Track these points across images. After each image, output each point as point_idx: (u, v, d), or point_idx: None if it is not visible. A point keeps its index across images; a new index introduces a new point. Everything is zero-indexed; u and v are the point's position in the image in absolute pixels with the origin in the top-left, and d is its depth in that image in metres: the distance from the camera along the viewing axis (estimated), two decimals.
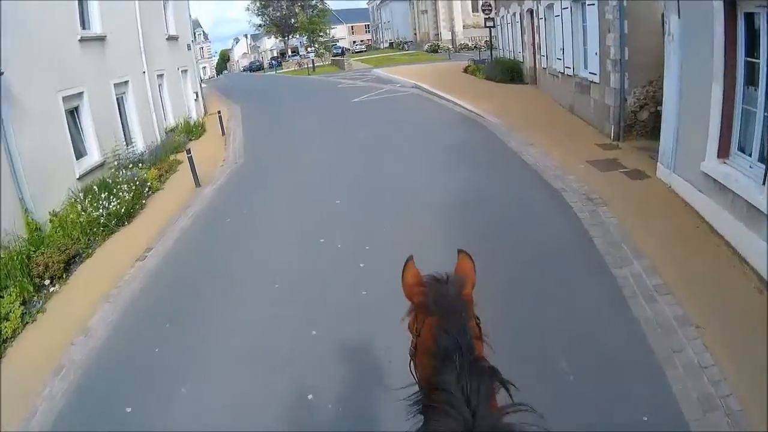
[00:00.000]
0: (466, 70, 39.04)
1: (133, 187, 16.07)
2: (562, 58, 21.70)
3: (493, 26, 38.77)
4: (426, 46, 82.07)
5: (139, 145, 21.92)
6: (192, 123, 28.62)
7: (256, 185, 17.20)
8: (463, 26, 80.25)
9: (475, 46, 72.41)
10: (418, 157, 17.60)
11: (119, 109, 21.09)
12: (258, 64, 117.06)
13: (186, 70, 32.85)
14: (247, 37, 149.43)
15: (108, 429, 7.01)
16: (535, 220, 11.71)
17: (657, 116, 15.02)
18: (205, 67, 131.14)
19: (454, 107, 25.90)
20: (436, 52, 75.89)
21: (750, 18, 9.02)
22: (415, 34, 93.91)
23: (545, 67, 25.15)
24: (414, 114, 26.03)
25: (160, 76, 26.91)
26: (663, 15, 14.08)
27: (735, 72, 9.54)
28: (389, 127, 22.88)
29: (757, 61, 8.89)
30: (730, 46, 9.50)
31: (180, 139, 24.90)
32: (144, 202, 16.46)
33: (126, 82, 21.97)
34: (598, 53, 17.44)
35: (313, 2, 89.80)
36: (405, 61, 65.56)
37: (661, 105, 13.72)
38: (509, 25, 34.48)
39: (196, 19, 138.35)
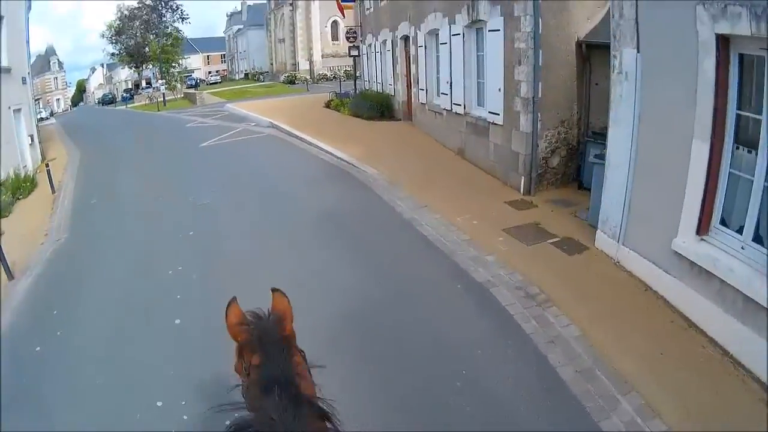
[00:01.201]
0: (328, 105, 35.73)
1: None
2: (448, 93, 18.76)
3: (358, 55, 35.67)
4: (282, 77, 78.92)
5: None
6: (23, 176, 23.55)
7: (76, 276, 13.01)
8: (322, 55, 77.99)
9: (334, 77, 70.63)
10: (278, 237, 13.31)
11: None
12: (110, 96, 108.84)
13: (19, 109, 27.66)
14: (103, 67, 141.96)
15: None
16: (466, 346, 8.12)
17: (567, 161, 14.22)
18: (59, 99, 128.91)
19: (318, 153, 22.54)
20: (293, 83, 73.16)
21: (742, 61, 7.26)
22: (272, 64, 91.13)
23: (424, 102, 22.20)
24: (271, 163, 22.38)
25: None
26: (584, 46, 12.78)
27: (725, 127, 7.55)
28: (241, 186, 18.92)
29: (750, 115, 7.27)
30: (721, 92, 7.27)
31: (5, 200, 20.34)
32: None
33: None
34: (502, 89, 14.60)
35: (168, 30, 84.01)
36: (261, 94, 61.78)
37: (569, 148, 13.48)
38: (378, 54, 31.04)
39: (51, 45, 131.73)
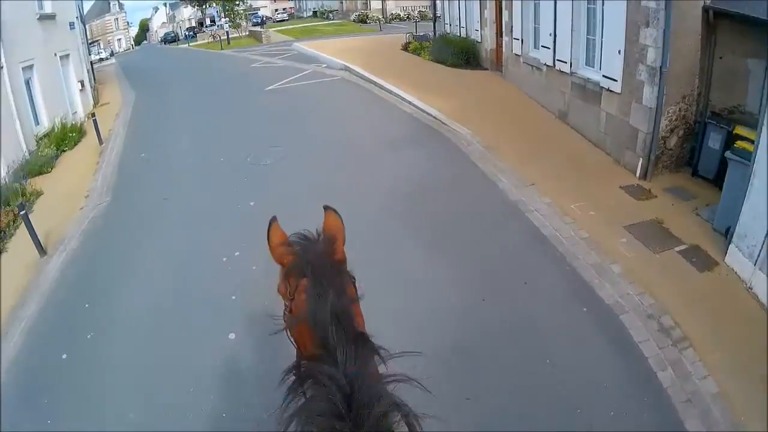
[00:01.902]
0: (406, 48, 32.68)
1: None
2: (551, 47, 16.26)
3: None
4: (353, 16, 75.79)
5: None
6: (69, 126, 22.20)
7: (113, 256, 11.55)
8: None
9: (408, 17, 67.97)
10: (353, 220, 11.31)
11: None
12: (173, 35, 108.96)
13: (67, 55, 26.47)
14: (166, 6, 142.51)
15: None
16: (598, 405, 6.47)
17: (683, 141, 12.24)
18: (120, 39, 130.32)
19: (400, 104, 20.17)
20: (365, 22, 70.03)
21: None
22: (342, 2, 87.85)
23: (518, 54, 19.68)
24: (345, 114, 20.12)
25: (27, 68, 20.99)
26: (711, 13, 10.90)
27: None
28: (309, 143, 16.93)
29: None
30: None
31: (48, 154, 19.13)
32: None
33: None
34: (622, 52, 12.24)
35: None
36: (331, 32, 59.05)
37: (686, 128, 11.90)
38: None
39: None
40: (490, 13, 22.92)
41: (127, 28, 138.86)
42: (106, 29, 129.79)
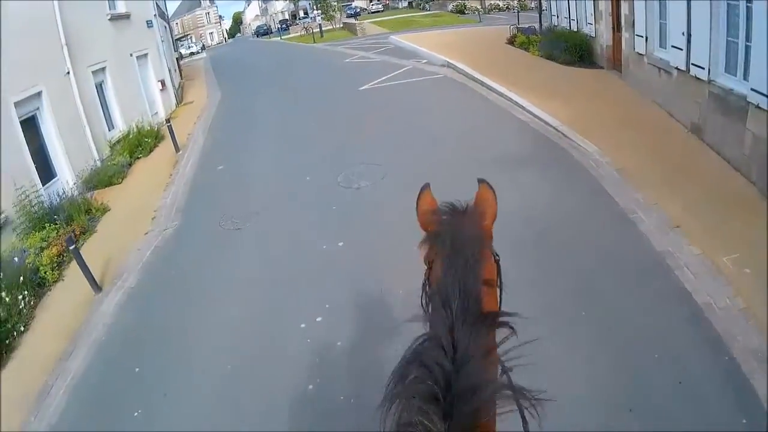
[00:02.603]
0: (512, 42, 30.12)
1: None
2: (683, 47, 13.77)
3: None
4: (451, 6, 74.03)
5: (63, 181, 16.28)
6: (145, 130, 21.34)
7: (178, 297, 10.19)
8: None
9: (507, 7, 65.96)
10: None
11: (31, 130, 15.56)
12: (265, 28, 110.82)
13: (145, 54, 25.89)
14: None
15: None
16: None
17: None
18: (212, 33, 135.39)
19: (513, 109, 17.93)
20: (463, 13, 68.22)
21: None
22: None
23: (641, 52, 17.18)
24: (453, 122, 17.57)
25: (100, 71, 20.40)
26: None
27: None
28: (410, 158, 14.46)
29: None
30: None
31: (120, 162, 18.31)
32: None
33: (38, 94, 16.06)
34: None
35: None
36: (428, 24, 57.43)
37: None
38: None
39: None
40: (605, 4, 20.61)
41: (219, 22, 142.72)
42: (198, 23, 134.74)
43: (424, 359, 2.08)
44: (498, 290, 2.67)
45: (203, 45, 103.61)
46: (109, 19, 22.37)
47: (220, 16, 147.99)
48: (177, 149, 19.39)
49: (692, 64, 13.47)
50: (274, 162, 16.61)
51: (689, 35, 13.52)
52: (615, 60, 20.43)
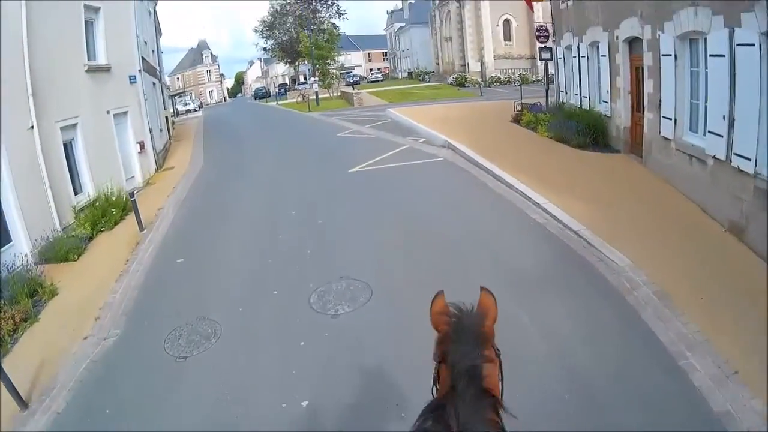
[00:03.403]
0: (517, 120, 28.19)
1: None
2: (723, 134, 11.79)
3: (551, 59, 28.40)
4: (450, 79, 73.37)
5: (19, 248, 14.80)
6: (113, 199, 19.04)
7: None
8: (494, 56, 71.44)
9: (508, 80, 64.93)
10: None
11: None
12: (264, 91, 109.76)
13: (125, 112, 23.99)
14: (261, 61, 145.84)
15: None
16: None
17: None
18: (211, 91, 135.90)
19: (525, 206, 15.52)
20: (463, 86, 67.33)
21: None
22: (438, 63, 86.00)
23: (668, 137, 15.22)
24: (454, 223, 14.75)
25: (70, 127, 18.90)
26: None
27: None
28: (404, 269, 12.03)
29: None
30: None
31: (80, 235, 16.39)
32: None
33: None
34: None
35: (324, 27, 79.63)
36: (427, 96, 56.13)
37: None
38: (584, 59, 23.39)
39: (203, 39, 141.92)
40: (624, 81, 18.75)
41: (219, 80, 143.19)
42: (198, 80, 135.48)
43: (433, 415, 2.61)
44: (500, 383, 3.11)
45: (201, 103, 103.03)
46: (86, 71, 20.52)
47: (222, 75, 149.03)
48: (141, 227, 17.18)
49: (734, 153, 11.55)
50: (241, 260, 14.05)
51: (732, 119, 11.59)
52: (634, 143, 18.54)
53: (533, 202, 15.48)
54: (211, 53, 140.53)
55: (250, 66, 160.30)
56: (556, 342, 8.83)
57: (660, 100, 15.51)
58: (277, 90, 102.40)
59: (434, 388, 3.12)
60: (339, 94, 69.77)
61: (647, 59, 16.31)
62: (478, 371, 2.75)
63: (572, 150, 20.73)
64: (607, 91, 20.52)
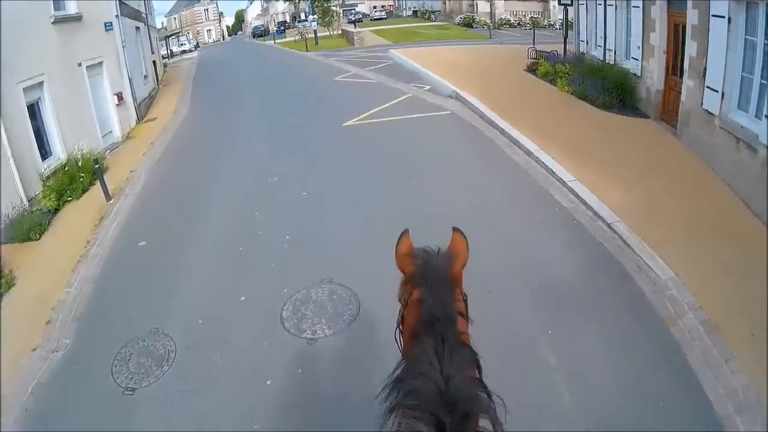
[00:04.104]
0: (532, 70, 25.62)
1: None
2: None
3: (570, 4, 26.06)
4: (458, 19, 70.10)
5: None
6: (82, 162, 16.93)
7: None
8: None
9: (518, 23, 62.22)
10: None
11: None
12: (262, 29, 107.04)
13: (100, 63, 21.81)
14: None
15: None
16: None
17: None
18: (209, 30, 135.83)
19: (546, 181, 13.51)
20: (471, 27, 64.38)
21: None
22: (444, 2, 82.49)
23: (713, 111, 12.95)
24: (461, 195, 12.92)
25: (35, 86, 16.85)
26: None
27: None
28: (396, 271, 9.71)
29: None
30: None
31: (46, 206, 14.97)
32: None
33: None
34: None
35: None
36: (433, 37, 53.43)
37: None
38: (611, 8, 20.83)
39: None
40: (659, 38, 16.50)
41: (218, 19, 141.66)
42: (196, 20, 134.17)
43: (415, 376, 2.49)
44: (467, 324, 3.09)
45: (197, 43, 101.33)
46: (53, 23, 18.34)
47: (221, 13, 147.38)
48: (108, 197, 15.28)
49: None
50: (208, 247, 12.06)
51: None
52: (666, 110, 16.47)
53: (557, 178, 13.40)
54: None
55: (251, 4, 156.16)
56: (581, 389, 7.14)
57: (705, 68, 13.27)
58: (277, 27, 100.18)
59: (398, 331, 3.17)
60: (340, 32, 66.71)
61: (692, 17, 13.98)
62: (453, 317, 2.76)
63: (596, 110, 18.48)
64: (638, 47, 18.17)
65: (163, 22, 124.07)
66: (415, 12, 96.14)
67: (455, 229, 3.40)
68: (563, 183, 13.07)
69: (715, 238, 10.05)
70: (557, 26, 57.46)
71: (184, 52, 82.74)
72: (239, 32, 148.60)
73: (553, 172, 13.69)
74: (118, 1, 24.29)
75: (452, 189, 13.35)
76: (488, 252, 10.03)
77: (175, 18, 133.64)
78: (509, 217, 11.89)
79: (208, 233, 12.59)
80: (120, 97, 22.97)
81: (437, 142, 17.20)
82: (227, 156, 18.15)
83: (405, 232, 3.38)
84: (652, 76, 17.25)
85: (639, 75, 18.30)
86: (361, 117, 20.59)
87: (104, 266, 11.93)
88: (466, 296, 3.19)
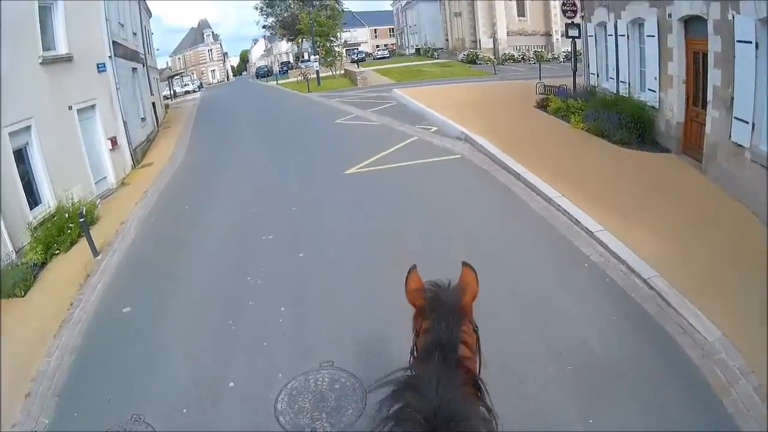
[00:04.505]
0: (543, 106, 24.88)
1: None
2: None
3: (578, 36, 24.87)
4: (461, 55, 70.17)
5: None
6: (70, 212, 15.91)
7: None
8: (507, 32, 68.15)
9: (522, 58, 62.09)
10: None
11: None
12: (265, 70, 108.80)
13: (93, 106, 21.09)
14: (264, 39, 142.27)
15: None
16: None
17: None
18: (213, 70, 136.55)
19: (569, 230, 12.27)
20: (475, 63, 64.32)
21: None
22: (447, 40, 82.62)
23: (742, 144, 12.08)
24: (481, 270, 12.25)
25: (22, 131, 16.12)
26: None
27: None
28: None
29: None
30: None
31: (32, 261, 13.93)
32: None
33: None
34: None
35: (327, 2, 74.69)
36: (437, 75, 52.98)
37: None
38: (623, 38, 19.94)
39: (204, 19, 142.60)
40: (678, 68, 15.64)
41: (222, 59, 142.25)
42: (200, 60, 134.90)
43: (411, 390, 2.56)
44: (477, 356, 3.24)
45: (201, 84, 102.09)
46: (41, 63, 17.61)
47: (225, 54, 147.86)
48: (95, 253, 14.24)
49: None
50: (196, 318, 10.68)
51: None
52: (688, 143, 15.54)
53: (583, 227, 12.13)
54: (212, 32, 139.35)
55: (255, 44, 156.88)
56: None
57: (732, 97, 12.38)
58: (280, 67, 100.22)
59: (411, 359, 3.22)
60: (343, 72, 66.55)
61: (714, 44, 13.12)
62: (455, 342, 2.88)
63: (615, 147, 17.48)
64: (655, 78, 17.27)
65: (167, 62, 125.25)
66: (418, 50, 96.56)
67: (465, 264, 3.51)
68: (590, 233, 11.87)
69: (752, 285, 8.96)
70: (561, 59, 57.27)
71: (187, 92, 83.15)
72: (244, 72, 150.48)
73: (577, 221, 12.43)
74: (111, 42, 23.61)
75: (467, 246, 11.85)
76: (513, 326, 8.88)
77: (179, 58, 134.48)
78: (533, 278, 10.52)
79: (196, 300, 11.34)
80: (114, 141, 22.20)
81: (447, 191, 15.95)
82: (220, 208, 16.99)
83: (413, 268, 3.51)
84: (672, 108, 16.32)
85: (657, 107, 17.38)
86: (363, 164, 19.34)
87: (87, 334, 10.85)
88: (476, 327, 3.33)
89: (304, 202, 16.34)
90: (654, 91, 17.48)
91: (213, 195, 18.42)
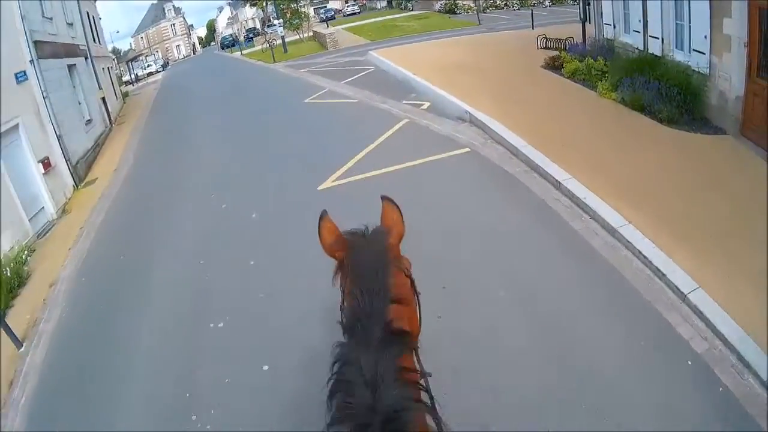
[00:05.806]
0: (555, 67, 20.74)
1: None
2: None
3: None
4: (438, 5, 66.53)
5: None
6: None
7: None
8: None
9: (506, 5, 58.59)
10: None
11: None
12: (231, 39, 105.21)
13: (15, 126, 17.62)
14: (230, 5, 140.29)
15: None
16: None
17: None
18: (178, 45, 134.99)
19: (668, 307, 7.75)
20: (454, 12, 61.17)
21: None
22: None
23: None
24: (529, 324, 7.65)
25: None
26: None
27: None
28: None
29: None
30: None
31: None
32: None
33: None
34: None
35: None
36: (416, 30, 49.58)
37: None
38: None
39: None
40: (738, 26, 12.23)
41: (187, 33, 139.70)
42: (163, 36, 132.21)
43: (346, 387, 2.31)
44: (416, 302, 3.03)
45: (166, 62, 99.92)
46: None
47: (190, 26, 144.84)
48: (18, 345, 10.80)
49: None
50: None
51: None
52: (750, 123, 12.33)
53: (668, 282, 8.11)
54: (173, 5, 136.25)
55: (220, 12, 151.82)
56: None
57: None
58: (246, 35, 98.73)
59: (342, 316, 2.80)
60: (311, 34, 62.82)
61: None
62: (381, 316, 2.51)
63: (663, 129, 13.68)
64: (705, 37, 13.54)
65: (131, 44, 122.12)
66: (390, 2, 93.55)
67: (384, 198, 3.18)
68: (682, 296, 7.80)
69: None
70: (548, 3, 53.83)
71: (150, 74, 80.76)
72: (212, 43, 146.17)
73: (660, 272, 8.34)
74: (32, 42, 19.94)
75: (500, 304, 8.28)
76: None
77: (142, 38, 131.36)
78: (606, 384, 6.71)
79: (135, 409, 8.11)
80: (47, 163, 18.65)
81: (460, 217, 11.23)
82: (165, 257, 12.71)
83: (324, 214, 3.15)
84: (729, 77, 12.83)
85: (706, 73, 13.78)
86: (341, 172, 14.70)
87: None
88: (408, 270, 3.03)
89: (266, 253, 11.70)
90: (703, 53, 13.78)
91: (159, 231, 14.28)
